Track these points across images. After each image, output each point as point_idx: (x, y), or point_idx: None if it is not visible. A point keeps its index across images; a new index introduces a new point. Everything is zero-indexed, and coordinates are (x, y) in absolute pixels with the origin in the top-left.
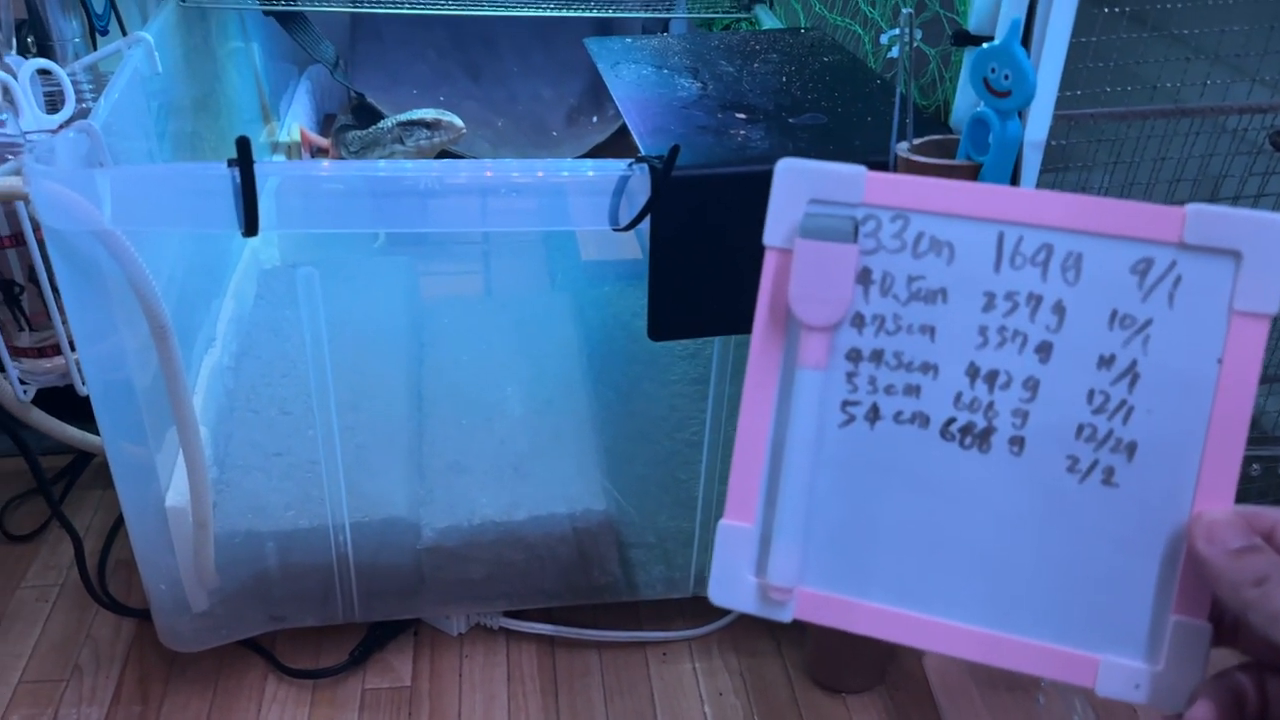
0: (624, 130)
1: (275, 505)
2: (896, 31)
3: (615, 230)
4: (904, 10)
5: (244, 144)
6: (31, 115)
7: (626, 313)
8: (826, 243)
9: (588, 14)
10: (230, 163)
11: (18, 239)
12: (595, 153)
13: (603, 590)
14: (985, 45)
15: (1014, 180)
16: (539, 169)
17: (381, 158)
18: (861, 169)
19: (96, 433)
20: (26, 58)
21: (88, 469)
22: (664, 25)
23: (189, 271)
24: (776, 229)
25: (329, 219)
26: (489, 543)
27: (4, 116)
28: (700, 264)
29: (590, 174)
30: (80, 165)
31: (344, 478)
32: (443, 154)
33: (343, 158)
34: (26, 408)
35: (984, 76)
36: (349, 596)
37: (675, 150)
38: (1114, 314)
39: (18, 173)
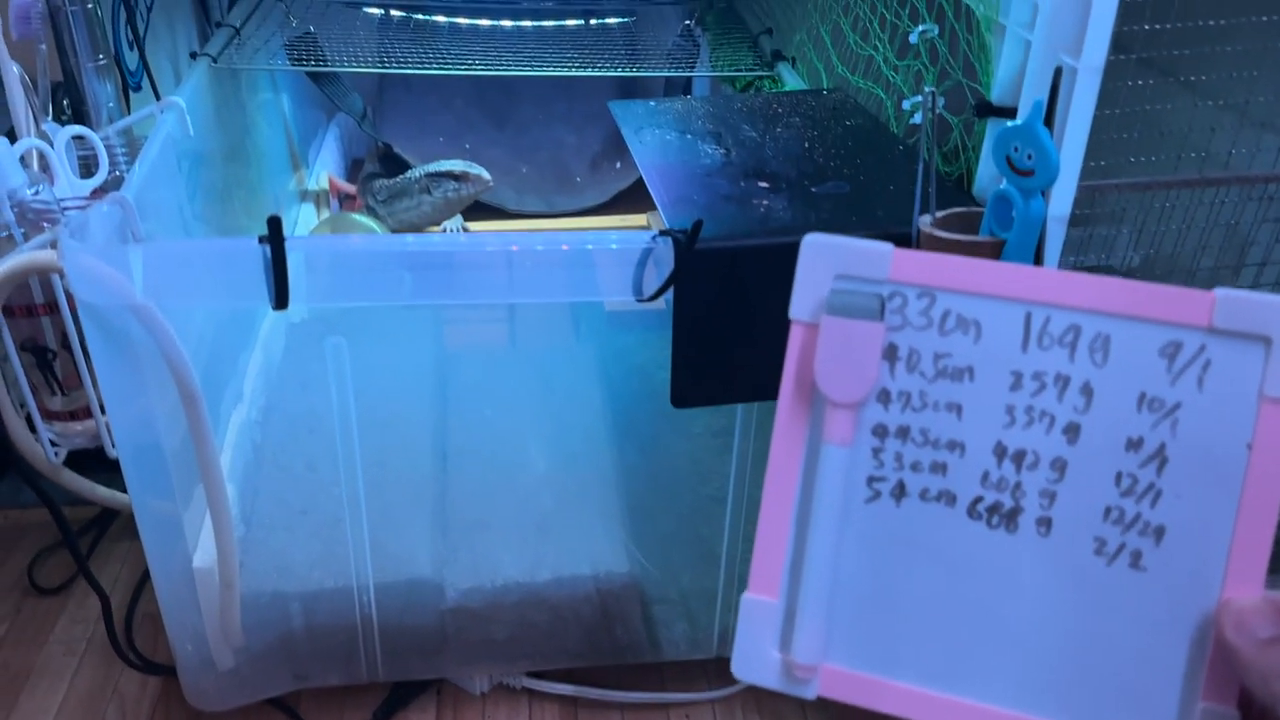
0: None
1: (301, 565)
2: (919, 99)
3: (639, 301)
4: (926, 88)
5: (275, 223)
6: (66, 181)
7: (649, 364)
8: (853, 320)
9: (612, 74)
10: (261, 239)
11: (51, 307)
12: (619, 199)
13: (625, 650)
14: (1008, 124)
15: (1038, 256)
16: (564, 242)
17: (409, 208)
18: (888, 246)
19: (124, 490)
20: (62, 123)
21: (116, 521)
22: (686, 81)
23: (219, 328)
24: (803, 303)
25: (357, 292)
26: (512, 604)
27: (40, 188)
28: (723, 333)
29: (615, 247)
30: (113, 238)
31: (369, 537)
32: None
33: (369, 206)
34: (57, 469)
35: (1007, 155)
36: (373, 656)
37: (699, 225)
38: (1142, 396)
39: (52, 245)
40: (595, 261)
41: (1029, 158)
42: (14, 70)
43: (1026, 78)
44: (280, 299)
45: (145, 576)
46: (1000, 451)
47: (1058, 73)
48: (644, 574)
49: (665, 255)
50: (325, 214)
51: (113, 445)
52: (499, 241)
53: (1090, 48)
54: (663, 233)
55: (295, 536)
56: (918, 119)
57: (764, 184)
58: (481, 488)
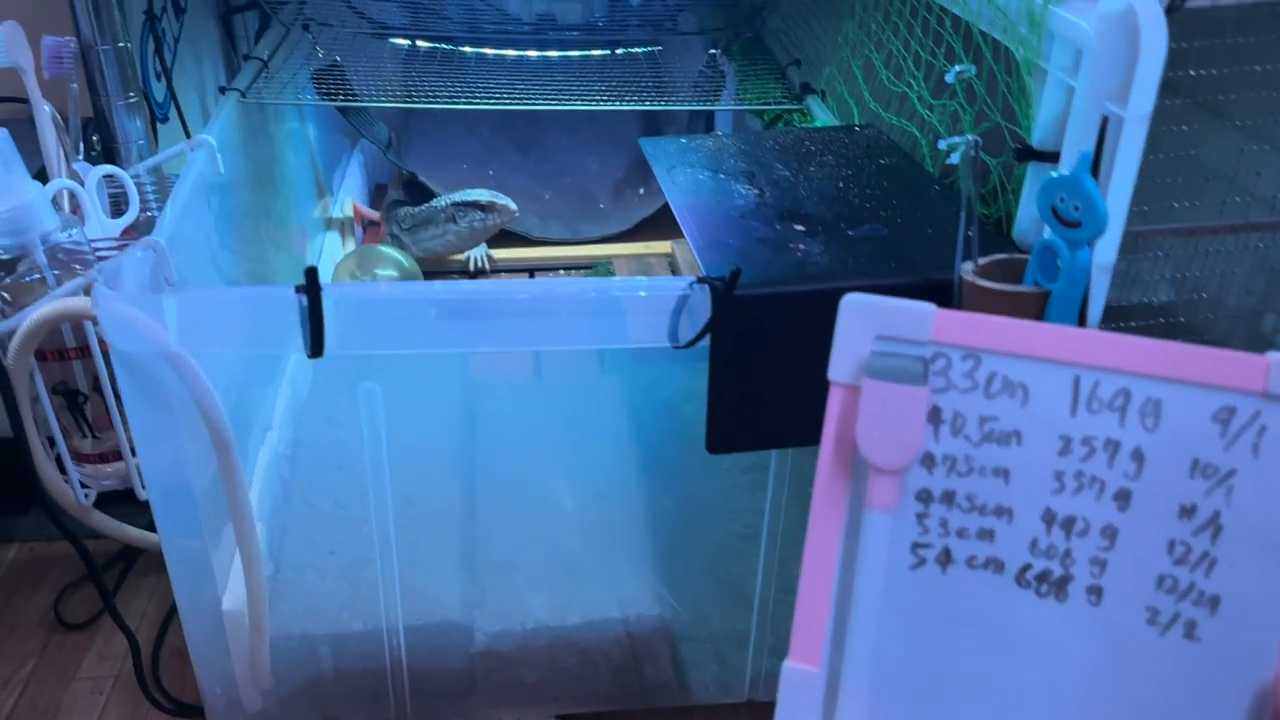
0: None
1: (330, 607)
2: (956, 139)
3: (675, 348)
4: (968, 135)
5: (312, 273)
6: (97, 221)
7: (676, 396)
8: (896, 384)
9: (639, 107)
10: (298, 288)
11: (83, 350)
12: (642, 226)
13: (655, 693)
14: (1054, 174)
15: (1083, 306)
16: (599, 288)
17: (434, 236)
18: (930, 307)
19: (151, 527)
20: (92, 160)
21: (142, 555)
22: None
23: (247, 362)
24: (842, 365)
25: (389, 341)
26: (542, 647)
27: (73, 231)
28: (760, 380)
29: (652, 294)
30: (147, 285)
31: (399, 578)
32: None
33: (394, 233)
34: (87, 511)
35: (1053, 205)
36: (401, 698)
37: (737, 273)
38: (1195, 463)
39: (86, 290)
40: (631, 309)
41: (1076, 209)
42: (46, 109)
43: (1070, 125)
44: (316, 347)
45: (172, 611)
46: (1049, 518)
47: (1104, 121)
48: (674, 616)
49: (702, 302)
50: (350, 242)
51: (143, 487)
52: (533, 290)
53: (1138, 96)
54: (700, 280)
55: (324, 577)
56: (954, 159)
57: (799, 227)
58: (510, 527)
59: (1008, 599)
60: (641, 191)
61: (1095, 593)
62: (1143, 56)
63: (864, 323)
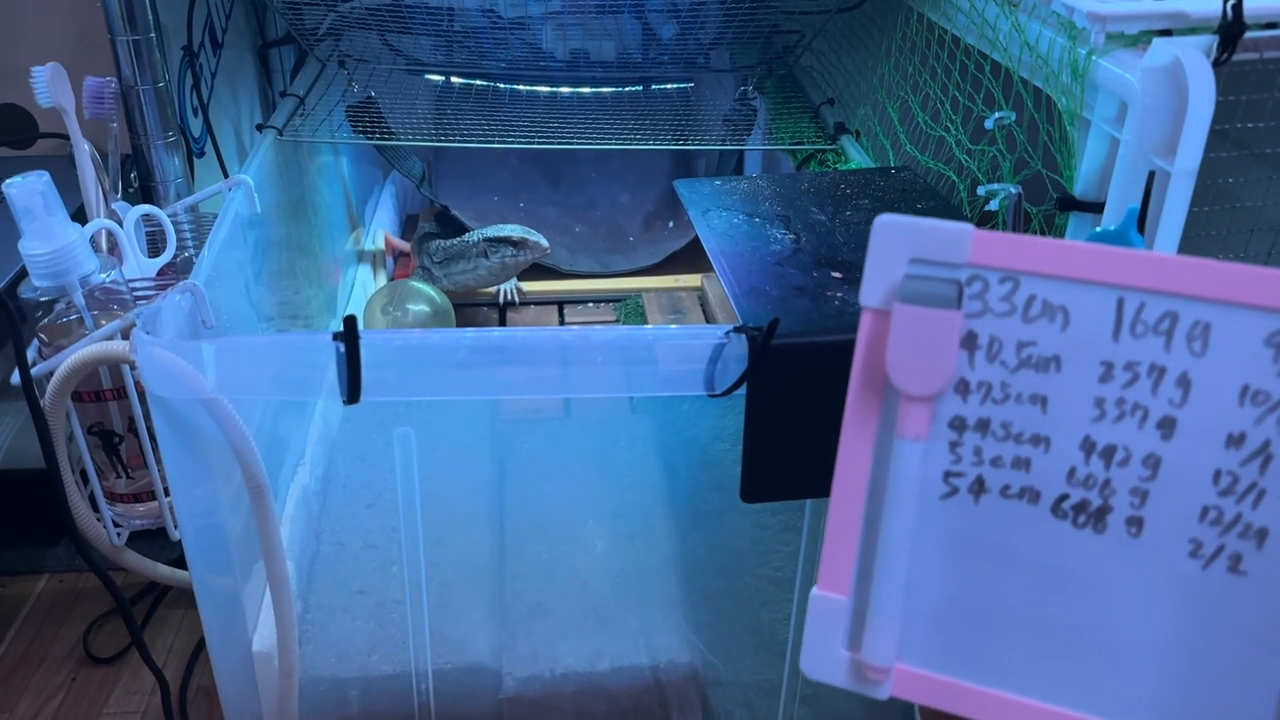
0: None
1: (359, 650)
2: (996, 187)
3: (711, 396)
4: (1011, 187)
5: (350, 322)
6: (135, 261)
7: (705, 435)
8: (928, 309)
9: (671, 146)
10: (336, 336)
11: (119, 392)
12: (672, 260)
13: None
14: (1100, 230)
15: None
16: (635, 337)
17: (465, 270)
18: (967, 227)
19: (180, 565)
20: (130, 200)
21: (171, 590)
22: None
23: (281, 400)
24: (874, 289)
25: (425, 388)
26: (571, 693)
27: (112, 273)
28: (795, 429)
29: (688, 342)
30: (185, 329)
31: (428, 620)
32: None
33: (425, 266)
34: (120, 551)
35: None
36: None
37: (774, 324)
38: (1245, 389)
39: (124, 333)
40: (667, 357)
41: None
42: (85, 149)
43: (1115, 178)
44: (353, 394)
45: (199, 648)
46: (1088, 447)
47: (1150, 176)
48: (704, 662)
49: (739, 350)
50: (381, 274)
51: (175, 527)
52: (573, 339)
53: (1185, 151)
54: (737, 329)
55: (353, 619)
56: (993, 206)
57: (837, 274)
58: (539, 567)
59: (1043, 530)
60: (671, 225)
61: (1135, 524)
62: (1191, 110)
63: (897, 245)
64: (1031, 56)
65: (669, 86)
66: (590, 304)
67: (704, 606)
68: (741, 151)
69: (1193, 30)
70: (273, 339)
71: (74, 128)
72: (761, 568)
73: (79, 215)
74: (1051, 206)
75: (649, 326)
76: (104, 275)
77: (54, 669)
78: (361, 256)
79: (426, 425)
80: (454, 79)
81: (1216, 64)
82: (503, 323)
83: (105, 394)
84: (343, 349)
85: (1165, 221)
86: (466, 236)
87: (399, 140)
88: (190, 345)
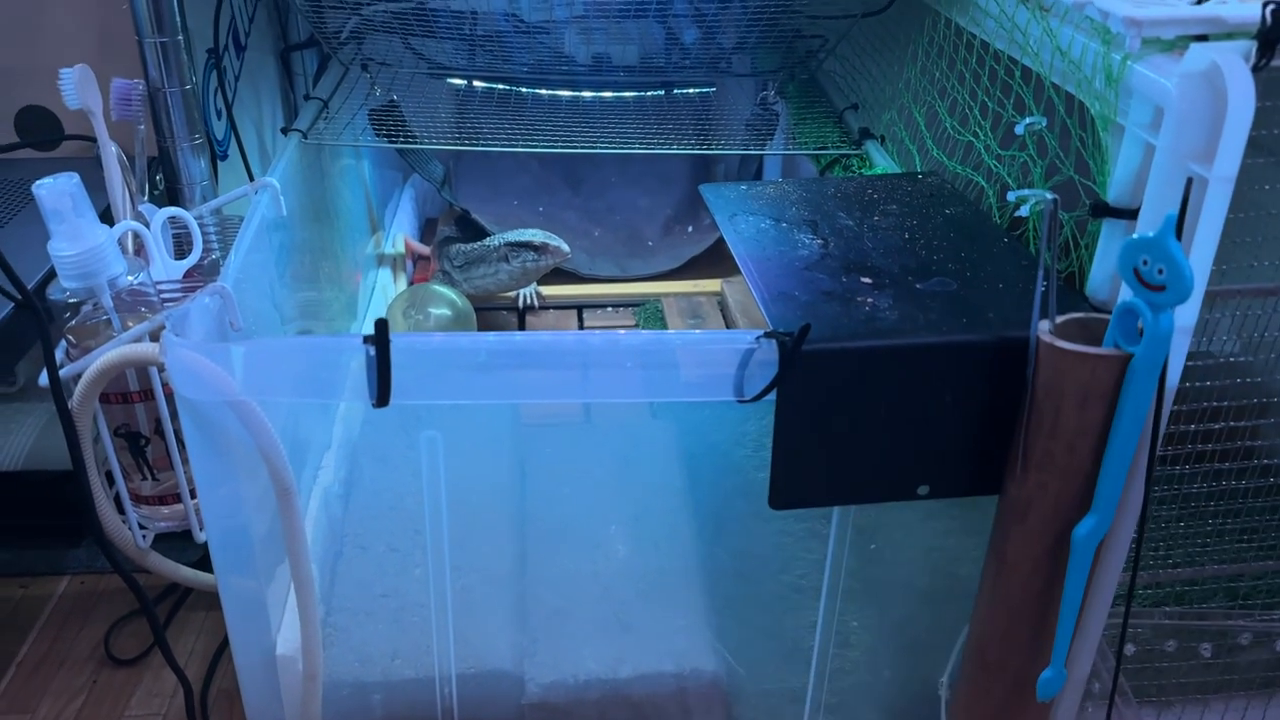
0: (721, 242)
1: (382, 654)
2: (1027, 193)
3: (740, 402)
4: (1046, 195)
5: (382, 325)
6: (161, 263)
7: (726, 440)
8: None
9: (694, 151)
10: (366, 339)
11: (146, 394)
12: (691, 265)
13: None
14: (1137, 236)
15: (1162, 369)
16: (664, 342)
17: (486, 275)
18: None
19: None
20: (155, 201)
21: (192, 591)
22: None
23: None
24: None
25: (453, 391)
26: (594, 700)
27: (139, 276)
28: (825, 436)
29: (717, 347)
30: (213, 332)
31: (452, 624)
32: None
33: (445, 270)
34: (145, 553)
35: (1135, 267)
36: None
37: (805, 329)
38: None
39: (152, 335)
40: (696, 361)
41: (1160, 272)
42: (113, 151)
43: (1151, 184)
44: (382, 398)
45: (220, 650)
46: None
47: (1188, 182)
48: (728, 670)
49: (768, 356)
50: (401, 277)
51: (201, 529)
52: (602, 343)
53: (1224, 157)
54: (767, 334)
55: (376, 623)
56: (1024, 211)
57: (866, 279)
58: (561, 572)
59: None
60: (690, 229)
61: None
62: (1229, 116)
63: None
64: (1064, 62)
65: (691, 91)
66: (609, 308)
67: (727, 613)
68: (761, 156)
69: (1229, 35)
70: (301, 341)
71: (101, 130)
72: (784, 574)
73: (105, 216)
74: (1084, 213)
75: (678, 331)
76: (131, 277)
77: (75, 671)
78: (381, 260)
79: (449, 428)
80: (476, 83)
81: (1255, 69)
82: (522, 327)
83: (132, 396)
84: (373, 352)
85: (1202, 228)
86: (487, 241)
87: (421, 144)
88: (219, 348)
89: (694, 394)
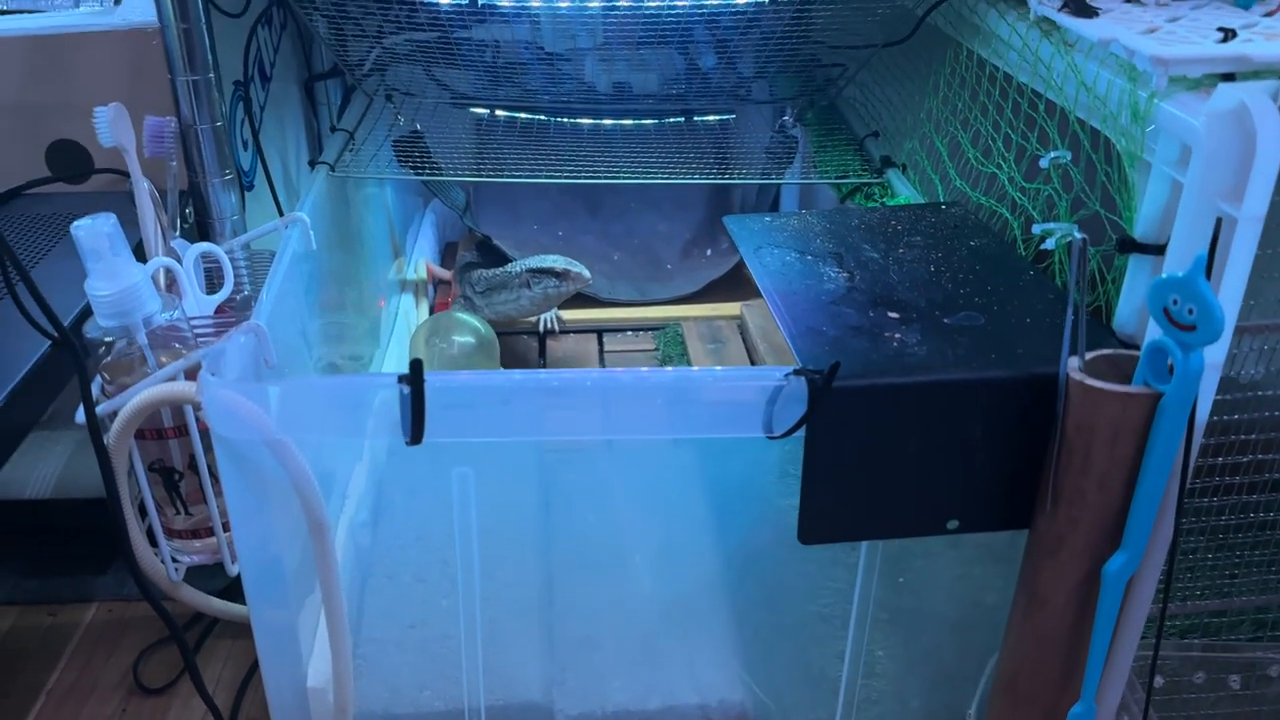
0: (740, 266)
1: (411, 685)
2: (1052, 226)
3: (769, 438)
4: (1075, 234)
5: (417, 365)
6: (193, 298)
7: (749, 465)
8: None
9: (714, 181)
10: (401, 378)
11: (180, 430)
12: (710, 288)
13: None
14: (1166, 276)
15: (1192, 406)
16: (695, 379)
17: (508, 300)
18: None
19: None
20: (185, 235)
21: (219, 620)
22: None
23: None
24: None
25: (485, 429)
26: None
27: (173, 313)
28: (853, 471)
29: (746, 384)
30: (248, 369)
31: (481, 655)
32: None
33: (466, 295)
34: (177, 586)
35: (1165, 306)
36: None
37: (835, 367)
38: None
39: (188, 373)
40: (726, 398)
41: (1190, 312)
42: (145, 187)
43: (1179, 221)
44: (416, 435)
45: (248, 678)
46: None
47: (1218, 222)
48: (755, 701)
49: (797, 393)
50: (423, 301)
51: (233, 561)
52: (633, 380)
53: (1253, 196)
54: (796, 372)
55: (405, 654)
56: (1049, 245)
57: (893, 314)
58: (588, 600)
59: None
60: (709, 253)
61: None
62: (1258, 156)
63: None
64: (1089, 97)
65: (711, 118)
66: (629, 332)
67: (753, 643)
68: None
69: (1256, 74)
70: (335, 381)
71: (134, 166)
72: (810, 603)
73: (138, 251)
74: (1110, 247)
75: (705, 368)
76: (166, 314)
77: (104, 699)
78: (404, 285)
79: (476, 459)
80: (498, 112)
81: None
82: (543, 351)
83: (167, 432)
84: (408, 391)
85: (1231, 267)
86: (509, 267)
87: (445, 176)
88: (256, 387)
89: (723, 430)
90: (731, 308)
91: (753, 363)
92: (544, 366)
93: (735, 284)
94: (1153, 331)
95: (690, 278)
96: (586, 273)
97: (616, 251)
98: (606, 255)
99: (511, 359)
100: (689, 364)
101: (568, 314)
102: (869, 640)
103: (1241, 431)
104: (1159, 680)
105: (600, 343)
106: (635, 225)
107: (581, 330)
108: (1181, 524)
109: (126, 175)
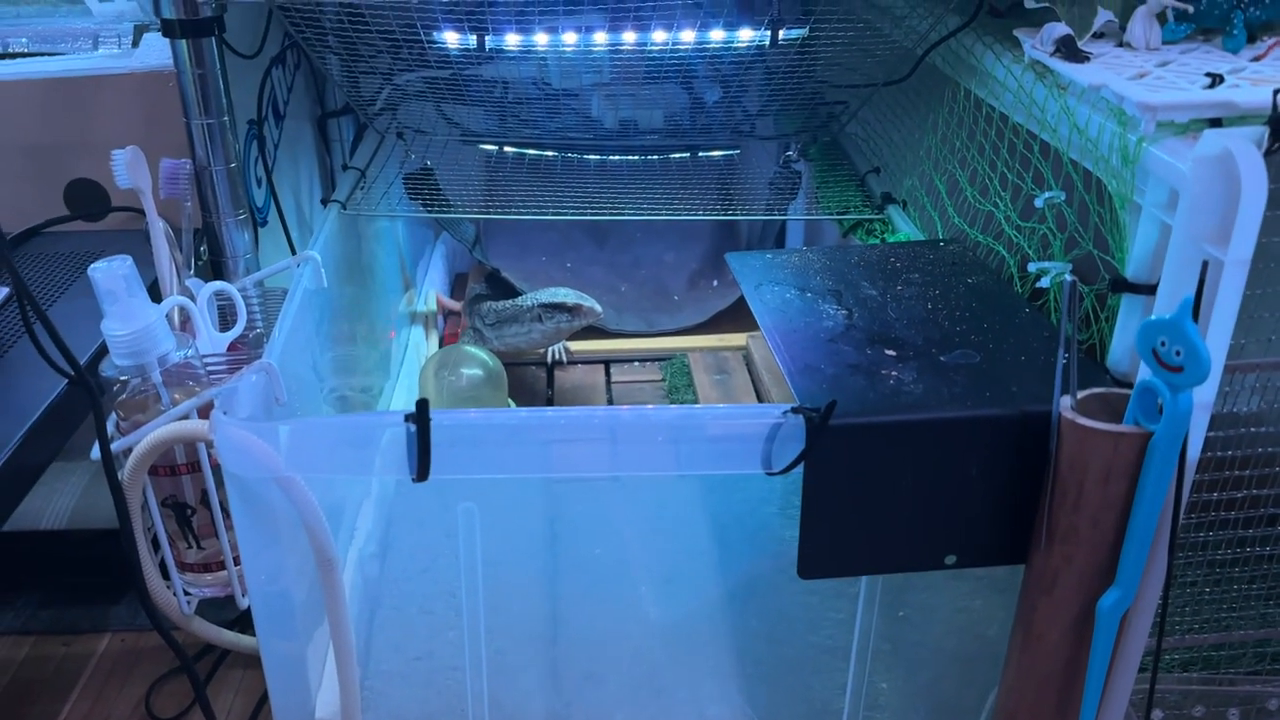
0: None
1: (417, 717)
2: (1047, 265)
3: (768, 474)
4: (1066, 276)
5: (423, 405)
6: (207, 336)
7: (753, 498)
8: None
9: (718, 216)
10: (408, 418)
11: (193, 466)
12: (717, 319)
13: None
14: (1154, 318)
15: (1182, 444)
16: (694, 416)
17: (518, 334)
18: None
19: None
20: (199, 272)
21: (230, 651)
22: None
23: None
24: None
25: (491, 466)
26: None
27: (187, 351)
28: (851, 507)
29: (745, 422)
30: (260, 407)
31: (487, 689)
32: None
33: (476, 327)
34: (189, 619)
35: (1153, 348)
36: None
37: (832, 406)
38: None
39: (201, 411)
40: (725, 436)
41: (1178, 354)
42: (160, 228)
43: (1169, 263)
44: (422, 473)
45: (258, 708)
46: None
47: (1204, 265)
48: None
49: (795, 430)
50: (433, 333)
51: (244, 595)
52: (633, 419)
53: (1239, 241)
54: (794, 410)
55: (411, 686)
56: (1045, 283)
57: (891, 351)
58: (593, 633)
59: None
60: (715, 284)
61: None
62: (1243, 201)
63: None
64: (1081, 139)
65: (715, 153)
66: (636, 363)
67: (756, 675)
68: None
69: (1242, 119)
70: (344, 420)
71: (150, 207)
72: (812, 635)
73: (153, 289)
74: (1103, 286)
75: (705, 405)
76: (180, 353)
77: None
78: (414, 317)
79: (481, 494)
80: (507, 148)
81: (1267, 154)
82: (550, 383)
83: (180, 468)
84: (414, 430)
85: (1219, 309)
86: (520, 300)
87: (455, 213)
88: (267, 426)
89: (723, 466)
90: (738, 338)
91: (758, 394)
92: (552, 398)
93: (741, 314)
94: (1144, 371)
95: (697, 308)
96: (598, 307)
97: (624, 283)
98: (614, 287)
99: (519, 390)
100: (695, 395)
101: (575, 345)
102: (871, 672)
103: (1236, 467)
104: (1159, 714)
105: (608, 373)
106: (642, 256)
107: (589, 361)
108: (1177, 559)
109: (143, 213)
